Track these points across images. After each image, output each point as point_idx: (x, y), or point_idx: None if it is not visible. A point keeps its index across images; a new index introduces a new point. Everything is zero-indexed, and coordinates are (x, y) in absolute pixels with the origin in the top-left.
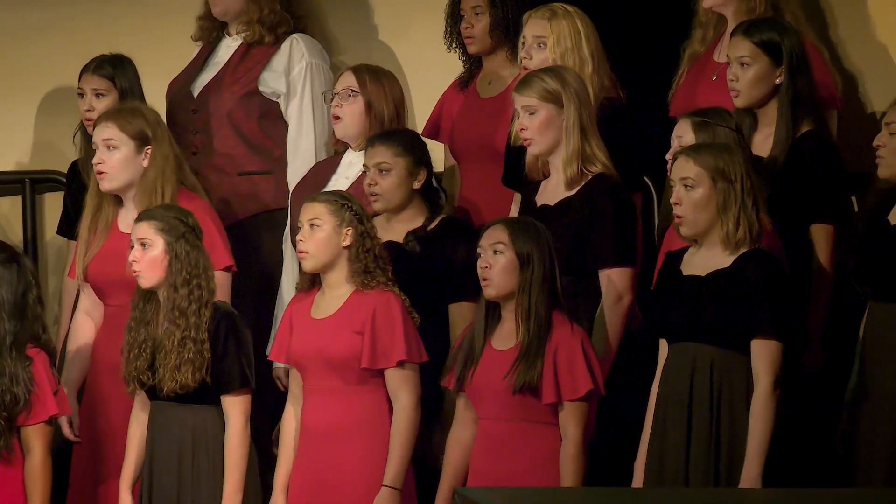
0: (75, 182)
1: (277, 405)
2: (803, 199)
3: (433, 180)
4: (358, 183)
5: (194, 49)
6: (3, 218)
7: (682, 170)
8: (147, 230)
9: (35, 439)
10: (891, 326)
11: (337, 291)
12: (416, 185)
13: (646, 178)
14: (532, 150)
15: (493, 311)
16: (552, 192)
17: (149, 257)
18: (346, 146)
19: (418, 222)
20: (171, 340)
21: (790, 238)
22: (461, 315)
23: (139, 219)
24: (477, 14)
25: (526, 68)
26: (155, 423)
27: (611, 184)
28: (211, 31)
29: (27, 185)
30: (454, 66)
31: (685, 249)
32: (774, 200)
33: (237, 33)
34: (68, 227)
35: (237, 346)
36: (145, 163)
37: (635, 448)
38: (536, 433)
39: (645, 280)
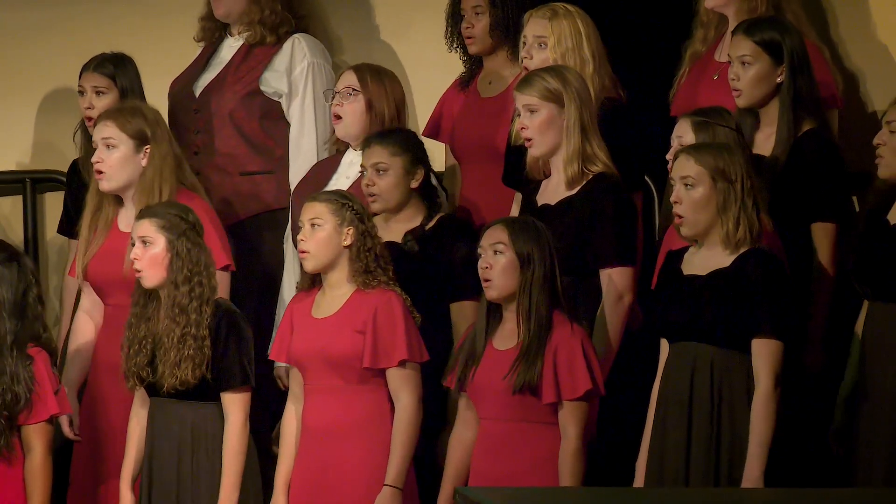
0: (75, 180)
1: (278, 404)
2: (804, 198)
3: (432, 179)
4: (359, 182)
5: (194, 49)
6: (4, 218)
7: (683, 168)
8: (148, 228)
9: (36, 438)
10: (891, 326)
11: (338, 291)
12: (414, 184)
13: (646, 178)
14: (533, 152)
15: (494, 311)
16: (553, 191)
17: (150, 255)
18: (346, 145)
19: (417, 222)
20: (171, 337)
21: (791, 237)
22: (462, 314)
23: (140, 216)
24: (477, 14)
25: (526, 68)
26: (154, 419)
27: (611, 183)
28: (213, 31)
29: (28, 184)
30: (455, 66)
31: (686, 249)
32: (776, 199)
33: (239, 34)
34: (69, 226)
35: (238, 343)
36: (144, 162)
37: (635, 448)
38: (537, 433)
39: (646, 280)
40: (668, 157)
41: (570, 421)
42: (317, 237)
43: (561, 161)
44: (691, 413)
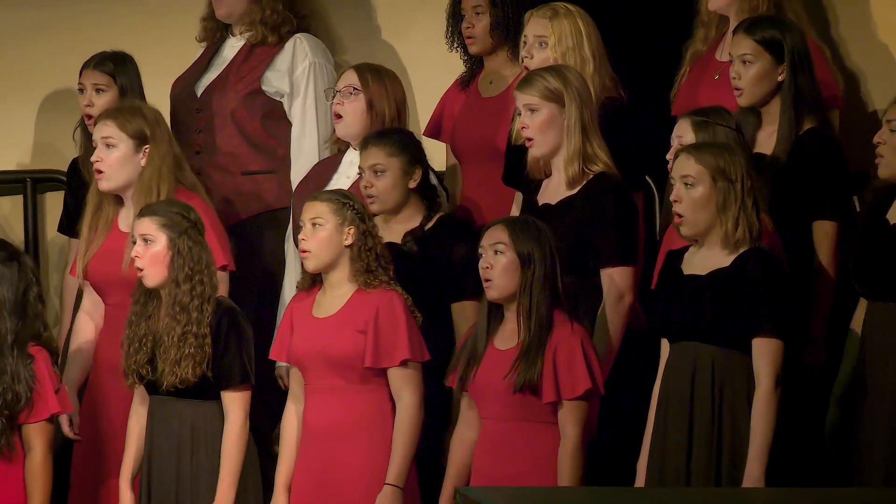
0: (75, 179)
1: (280, 404)
2: (806, 196)
3: (431, 178)
4: (359, 182)
5: (195, 49)
6: (4, 218)
7: (683, 168)
8: (149, 226)
9: (36, 437)
10: (890, 326)
11: (339, 291)
12: (412, 184)
13: (647, 178)
14: (533, 152)
15: (495, 311)
16: (553, 191)
17: (151, 253)
18: (347, 145)
19: (416, 222)
20: (172, 335)
21: (792, 236)
22: (463, 314)
23: (141, 214)
24: (478, 14)
25: (527, 68)
26: (154, 417)
27: (612, 183)
28: (215, 31)
29: (28, 184)
30: (455, 66)
31: (686, 248)
32: (777, 198)
33: (241, 34)
34: (69, 225)
35: (238, 341)
36: (143, 162)
37: (636, 448)
38: (538, 433)
39: (647, 280)
40: (669, 156)
41: (569, 420)
42: (318, 237)
43: (561, 161)
44: (692, 413)
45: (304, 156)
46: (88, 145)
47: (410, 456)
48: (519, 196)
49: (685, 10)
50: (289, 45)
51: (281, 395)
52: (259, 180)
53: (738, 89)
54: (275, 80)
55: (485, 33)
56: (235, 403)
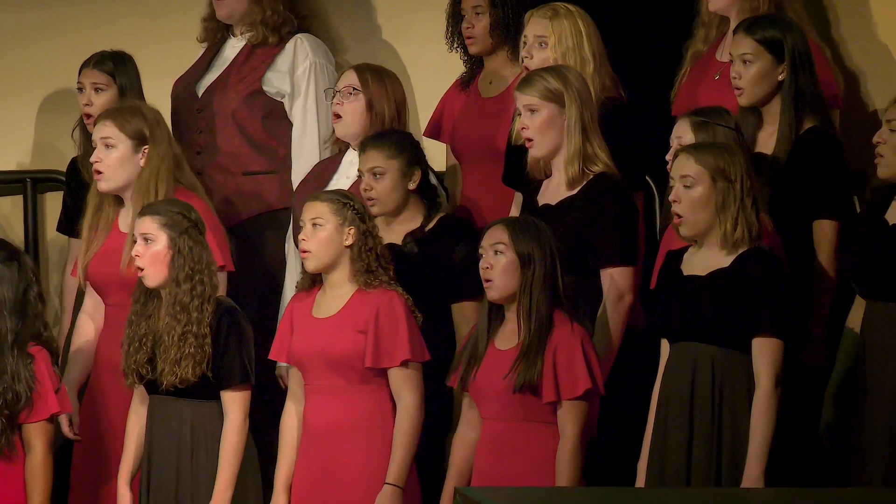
0: (74, 179)
1: (280, 404)
2: (806, 195)
3: (431, 179)
4: (359, 182)
5: (194, 49)
6: (4, 218)
7: (683, 168)
8: (150, 225)
9: (36, 437)
10: (890, 326)
11: (339, 291)
12: (412, 185)
13: (647, 178)
14: (534, 153)
15: (496, 312)
16: (554, 191)
17: (151, 252)
18: (347, 145)
19: (416, 223)
20: (172, 335)
21: (792, 236)
22: (463, 315)
23: (142, 213)
24: (478, 14)
25: (527, 68)
26: (154, 417)
27: (612, 183)
28: (216, 32)
29: (28, 184)
30: (455, 66)
31: (685, 249)
32: (777, 197)
33: (241, 34)
34: (68, 225)
35: (238, 341)
36: (142, 163)
37: (636, 448)
38: (538, 433)
39: (647, 279)
40: (668, 157)
41: (568, 420)
42: (318, 237)
43: (562, 161)
44: (692, 413)
45: (304, 156)
46: (87, 144)
47: (410, 456)
48: (518, 196)
49: (685, 11)
50: (289, 45)
51: (281, 395)
52: (260, 180)
53: (738, 89)
54: (276, 81)
55: (485, 33)
56: (235, 403)
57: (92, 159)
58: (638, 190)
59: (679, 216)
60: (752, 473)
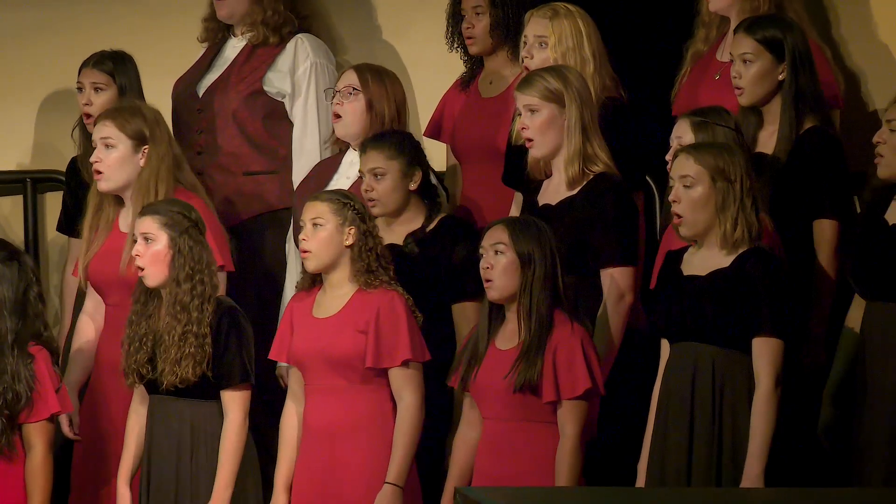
0: (74, 178)
1: (281, 404)
2: (806, 195)
3: (432, 179)
4: (359, 182)
5: (194, 49)
6: (5, 218)
7: (682, 168)
8: (151, 224)
9: (36, 437)
10: (890, 326)
11: (339, 291)
12: (413, 186)
13: (647, 178)
14: (534, 153)
15: (496, 312)
16: (554, 191)
17: (152, 252)
18: (348, 145)
19: (417, 223)
20: (172, 335)
21: (793, 235)
22: (464, 315)
23: (142, 213)
24: (478, 14)
25: (527, 68)
26: (154, 417)
27: (613, 183)
28: (216, 32)
29: (28, 184)
30: (455, 66)
31: (685, 249)
32: (778, 197)
33: (242, 34)
34: (68, 224)
35: (238, 341)
36: (142, 163)
37: (636, 448)
38: (539, 433)
39: (647, 279)
40: (668, 157)
41: (568, 419)
42: (318, 237)
43: (562, 161)
44: (693, 413)
45: (305, 156)
46: (87, 144)
47: (411, 456)
48: (518, 196)
49: (686, 11)
50: (290, 45)
51: (282, 395)
52: (260, 181)
53: (738, 88)
54: (276, 81)
55: (485, 33)
56: (235, 403)
57: (92, 159)
58: (638, 190)
59: (679, 216)
60: (752, 473)
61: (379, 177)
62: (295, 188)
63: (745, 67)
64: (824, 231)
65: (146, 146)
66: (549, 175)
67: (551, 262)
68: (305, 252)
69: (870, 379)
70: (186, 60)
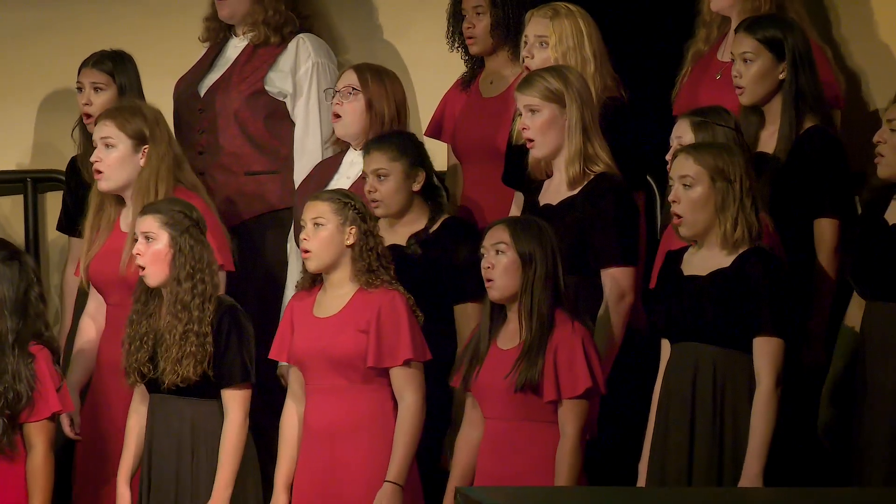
0: (74, 178)
1: (282, 404)
2: (807, 194)
3: (434, 180)
4: (359, 182)
5: (195, 48)
6: (5, 217)
7: (682, 168)
8: (151, 223)
9: (37, 436)
10: (890, 325)
11: (340, 290)
12: (416, 187)
13: (648, 178)
14: (534, 153)
15: (498, 311)
16: (555, 191)
17: (153, 251)
18: (348, 145)
19: (421, 224)
20: (174, 334)
21: (793, 235)
22: (465, 316)
23: (143, 212)
24: (478, 14)
25: (528, 67)
26: (154, 415)
27: (613, 183)
28: (218, 31)
29: (28, 184)
30: (456, 66)
31: (685, 249)
32: (778, 197)
33: (244, 34)
34: (68, 223)
35: (239, 340)
36: (142, 162)
37: (636, 448)
38: (540, 432)
39: (648, 279)
40: (668, 157)
41: (568, 418)
42: (319, 236)
43: (563, 161)
44: (694, 413)
45: (307, 156)
46: (87, 144)
47: (411, 455)
48: (518, 196)
49: (686, 10)
50: (292, 45)
51: (283, 395)
52: (262, 181)
53: (739, 88)
54: (278, 81)
55: (485, 33)
56: (235, 402)
57: (92, 159)
58: (639, 190)
59: (678, 216)
60: (751, 472)
61: (382, 178)
62: (296, 188)
63: (745, 67)
64: (824, 230)
65: (146, 146)
66: (549, 175)
67: (552, 261)
68: (306, 252)
69: (870, 379)
70: (186, 60)
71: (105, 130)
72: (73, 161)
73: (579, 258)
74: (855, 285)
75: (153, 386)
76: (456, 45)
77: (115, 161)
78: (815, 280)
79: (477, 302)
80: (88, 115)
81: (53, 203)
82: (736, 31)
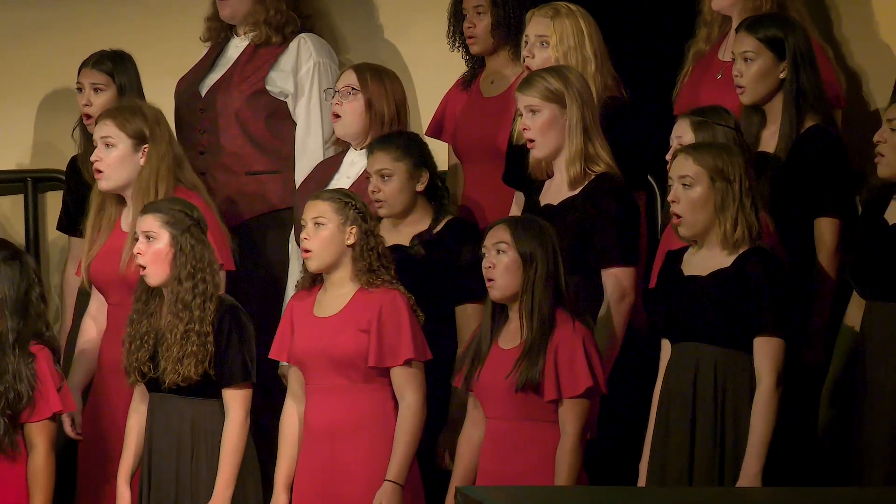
0: (75, 178)
1: (283, 403)
2: (808, 193)
3: (437, 180)
4: (359, 182)
5: (195, 48)
6: (5, 217)
7: (681, 168)
8: (152, 223)
9: (38, 436)
10: (890, 325)
11: (341, 290)
12: (419, 187)
13: (649, 177)
14: (535, 153)
15: (499, 311)
16: (556, 191)
17: (153, 250)
18: (349, 145)
19: (424, 225)
20: (174, 333)
21: (793, 235)
22: (467, 317)
23: (144, 211)
24: (479, 13)
25: (528, 67)
26: (154, 415)
27: (614, 183)
28: (219, 31)
29: (29, 184)
30: (457, 66)
31: (685, 249)
32: (778, 195)
33: (245, 34)
34: (68, 223)
35: (240, 339)
36: (142, 162)
37: (636, 448)
38: (541, 432)
39: (648, 279)
40: (668, 157)
41: (569, 418)
42: (320, 236)
43: (563, 161)
44: (694, 413)
45: (308, 156)
46: (87, 144)
47: (412, 454)
48: (518, 196)
49: (687, 10)
50: (293, 45)
51: (284, 395)
52: (263, 180)
53: (740, 87)
54: (279, 81)
55: (486, 33)
56: (236, 401)
57: (92, 158)
58: (639, 189)
59: (678, 216)
60: (750, 472)
61: (386, 178)
62: (297, 188)
63: (746, 66)
64: (825, 230)
65: (146, 145)
66: (550, 175)
67: (553, 261)
68: (307, 251)
69: (870, 379)
70: (187, 60)
71: (105, 130)
72: (73, 161)
73: (580, 258)
74: (855, 285)
75: (153, 385)
76: (456, 44)
77: (116, 160)
78: (815, 280)
79: (478, 303)
80: (88, 116)
81: (53, 203)
82: (737, 30)
